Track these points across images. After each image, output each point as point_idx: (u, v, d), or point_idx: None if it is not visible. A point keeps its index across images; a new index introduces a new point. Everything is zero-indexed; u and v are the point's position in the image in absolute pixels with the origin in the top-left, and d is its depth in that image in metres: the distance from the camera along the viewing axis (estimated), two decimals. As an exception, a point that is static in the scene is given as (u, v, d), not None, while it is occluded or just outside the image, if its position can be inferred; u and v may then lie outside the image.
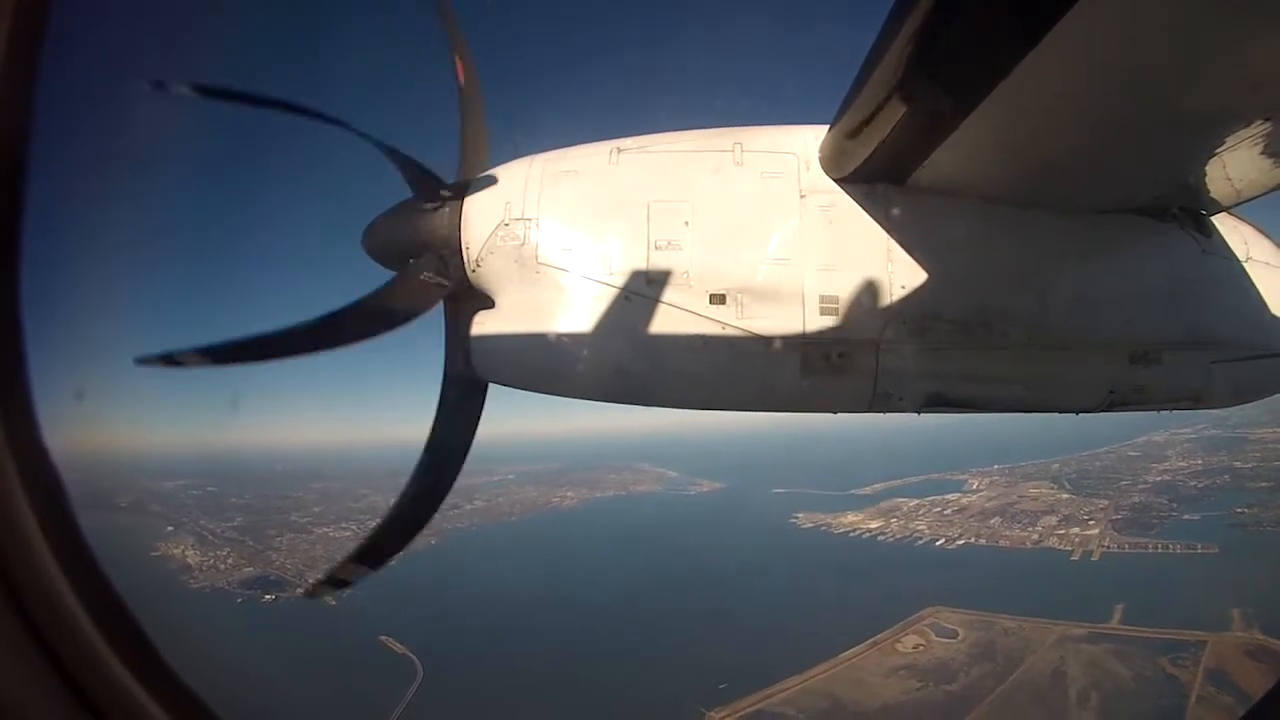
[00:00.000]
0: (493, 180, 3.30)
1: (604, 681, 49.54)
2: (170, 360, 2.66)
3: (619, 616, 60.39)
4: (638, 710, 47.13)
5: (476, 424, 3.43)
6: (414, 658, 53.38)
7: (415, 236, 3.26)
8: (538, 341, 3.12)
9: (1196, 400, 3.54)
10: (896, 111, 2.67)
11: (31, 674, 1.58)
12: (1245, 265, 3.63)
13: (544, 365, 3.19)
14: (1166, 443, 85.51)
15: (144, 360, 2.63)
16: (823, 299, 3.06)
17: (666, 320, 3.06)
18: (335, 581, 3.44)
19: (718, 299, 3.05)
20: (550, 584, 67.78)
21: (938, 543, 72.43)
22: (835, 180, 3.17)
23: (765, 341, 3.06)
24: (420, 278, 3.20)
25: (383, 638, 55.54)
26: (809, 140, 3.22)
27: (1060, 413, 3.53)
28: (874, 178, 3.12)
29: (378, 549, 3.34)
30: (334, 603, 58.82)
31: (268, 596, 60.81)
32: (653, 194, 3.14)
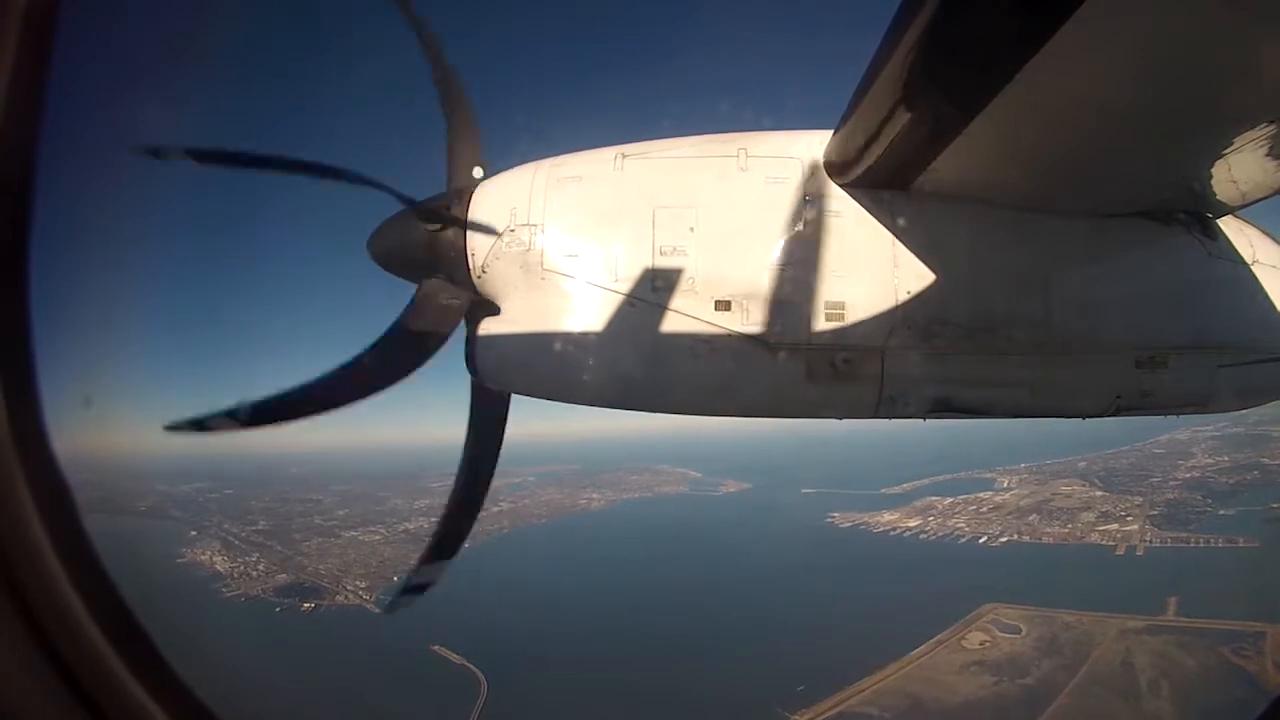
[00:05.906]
0: (497, 186, 3.30)
1: (674, 685, 48.25)
2: (200, 426, 2.70)
3: (674, 619, 59.16)
4: (720, 712, 45.83)
5: (505, 423, 3.58)
6: (474, 668, 50.96)
7: (420, 245, 3.27)
8: (543, 348, 3.12)
9: (1203, 405, 3.53)
10: (901, 117, 2.66)
11: (37, 681, 1.57)
12: (1251, 268, 3.59)
13: (549, 372, 3.20)
14: (1190, 440, 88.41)
15: (173, 427, 2.68)
16: (828, 305, 3.05)
17: (672, 326, 3.05)
18: (414, 588, 3.51)
19: (723, 305, 3.04)
20: (595, 587, 66.31)
21: (980, 540, 73.26)
22: (840, 185, 3.14)
23: (770, 348, 3.05)
24: (436, 303, 3.21)
25: (435, 647, 52.82)
26: (813, 145, 3.17)
27: (1066, 418, 3.48)
28: (879, 183, 3.08)
29: (445, 543, 3.48)
30: (379, 610, 55.94)
31: (306, 605, 57.86)
32: (658, 200, 3.12)
